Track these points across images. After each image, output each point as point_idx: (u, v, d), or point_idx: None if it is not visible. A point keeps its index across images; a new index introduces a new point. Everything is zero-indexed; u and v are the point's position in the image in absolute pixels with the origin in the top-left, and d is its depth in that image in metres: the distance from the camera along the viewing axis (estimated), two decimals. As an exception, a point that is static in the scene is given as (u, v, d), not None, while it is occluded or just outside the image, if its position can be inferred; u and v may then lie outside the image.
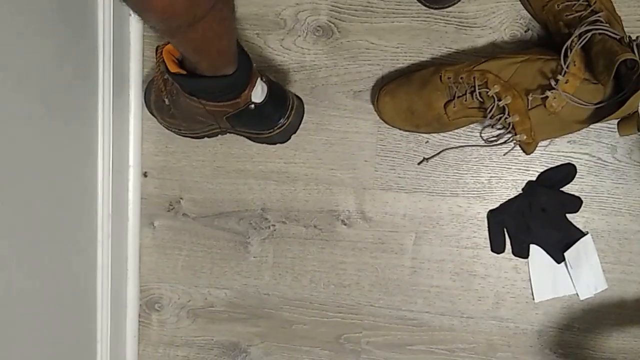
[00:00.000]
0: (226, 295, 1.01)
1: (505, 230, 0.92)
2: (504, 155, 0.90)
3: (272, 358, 1.02)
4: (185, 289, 1.02)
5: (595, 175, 0.89)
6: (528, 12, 0.87)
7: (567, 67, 0.75)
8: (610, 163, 0.89)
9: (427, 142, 0.93)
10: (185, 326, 1.03)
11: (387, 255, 0.96)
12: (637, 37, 0.71)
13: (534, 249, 0.92)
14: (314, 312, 0.99)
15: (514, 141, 0.80)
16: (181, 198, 1.00)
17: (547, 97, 0.76)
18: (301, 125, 0.91)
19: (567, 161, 0.90)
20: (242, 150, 0.97)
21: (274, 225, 0.98)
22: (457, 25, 0.89)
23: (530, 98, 0.78)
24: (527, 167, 0.91)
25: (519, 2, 0.87)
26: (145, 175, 1.00)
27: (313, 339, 1.00)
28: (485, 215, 0.93)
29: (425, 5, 0.89)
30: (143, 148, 1.00)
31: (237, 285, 1.01)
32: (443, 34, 0.90)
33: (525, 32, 0.88)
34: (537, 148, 0.90)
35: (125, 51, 0.95)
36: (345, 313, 0.99)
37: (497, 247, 0.93)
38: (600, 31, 0.73)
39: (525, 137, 0.79)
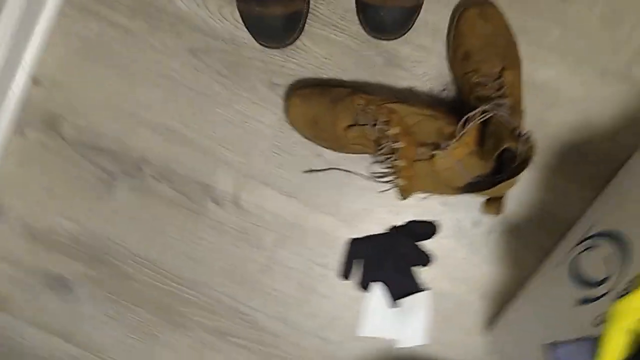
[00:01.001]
0: (73, 228, 0.98)
1: (358, 261, 0.96)
2: (379, 192, 0.94)
3: (95, 302, 0.99)
4: (36, 209, 0.98)
5: (454, 241, 0.95)
6: (451, 74, 0.91)
7: (461, 136, 0.79)
8: (471, 235, 0.95)
9: (320, 155, 0.95)
10: (20, 244, 0.99)
11: (245, 246, 0.97)
12: (526, 133, 0.77)
13: (376, 286, 0.96)
14: (154, 275, 0.98)
15: (394, 184, 0.84)
16: (64, 118, 0.96)
17: (435, 155, 0.80)
18: (209, 95, 0.91)
19: (434, 219, 0.95)
20: (143, 96, 0.95)
21: (145, 178, 0.96)
22: (386, 59, 0.92)
23: (420, 150, 0.82)
24: (399, 211, 0.95)
25: (447, 62, 0.92)
26: (35, 82, 0.95)
27: (143, 300, 0.99)
28: (345, 241, 0.96)
29: (366, 31, 0.91)
30: (45, 56, 0.95)
31: (89, 223, 0.98)
32: (372, 62, 0.93)
33: (442, 90, 0.92)
34: (413, 198, 0.94)
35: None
36: (184, 286, 0.98)
37: (345, 273, 0.96)
38: (499, 115, 0.78)
39: (404, 183, 0.82)
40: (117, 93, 0.95)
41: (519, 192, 0.93)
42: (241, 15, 0.91)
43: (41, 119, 0.96)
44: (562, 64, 0.91)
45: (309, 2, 0.91)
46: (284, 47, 0.91)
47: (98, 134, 0.96)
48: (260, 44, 0.91)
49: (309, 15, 0.92)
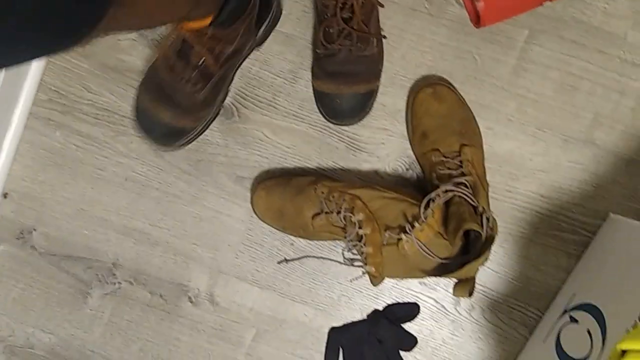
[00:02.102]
0: (50, 340, 0.96)
1: (341, 350, 0.93)
2: (351, 281, 0.93)
3: (76, 419, 0.96)
4: (10, 323, 0.97)
5: (435, 321, 0.93)
6: (413, 153, 0.92)
7: (425, 217, 0.79)
8: (452, 314, 0.92)
9: (292, 244, 0.94)
10: (-3, 362, 0.97)
11: (223, 344, 0.95)
12: (489, 215, 0.76)
13: (363, 376, 0.93)
14: (134, 382, 0.96)
15: (364, 270, 0.83)
16: (34, 229, 0.96)
17: (401, 238, 0.79)
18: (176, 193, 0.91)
19: (414, 300, 0.93)
20: (111, 200, 0.95)
21: (120, 283, 0.95)
22: (348, 144, 0.93)
23: (387, 235, 0.81)
24: (377, 295, 0.93)
25: (408, 141, 0.92)
26: (5, 196, 0.96)
27: (125, 409, 0.96)
28: (327, 330, 0.94)
29: (325, 118, 0.92)
30: (13, 169, 0.96)
31: (64, 333, 0.96)
32: (333, 148, 0.93)
33: (407, 170, 0.92)
34: (390, 281, 0.93)
35: (21, 71, 0.93)
36: (165, 391, 0.96)
37: (329, 364, 0.94)
38: (460, 194, 0.77)
39: (373, 269, 0.81)
40: (85, 200, 0.95)
41: (497, 266, 0.91)
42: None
43: (12, 232, 0.96)
44: (523, 134, 0.91)
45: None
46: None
47: (69, 242, 0.96)
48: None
49: (269, 107, 0.94)
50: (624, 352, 0.55)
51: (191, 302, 0.95)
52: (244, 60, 0.91)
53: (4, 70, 0.87)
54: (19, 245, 0.96)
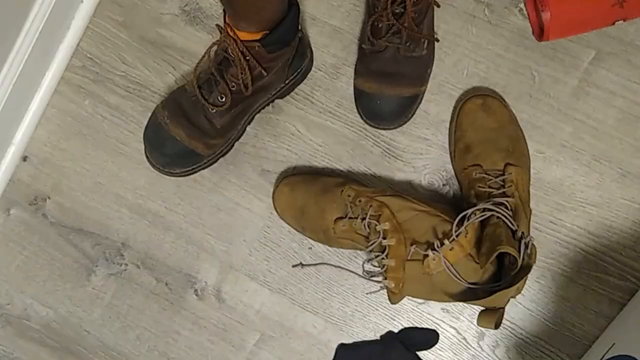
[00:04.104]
0: (47, 315, 0.92)
1: (347, 370, 0.86)
2: (367, 294, 0.85)
3: (62, 401, 0.91)
4: (10, 291, 0.93)
5: (455, 354, 0.85)
6: (453, 168, 0.85)
7: (456, 235, 0.72)
8: (474, 348, 0.84)
9: (311, 248, 0.88)
10: (-9, 329, 0.93)
11: (224, 345, 0.89)
12: (529, 239, 0.69)
13: (367, 401, 0.85)
14: (127, 371, 0.90)
15: (383, 285, 0.76)
16: (49, 197, 0.92)
17: (427, 255, 0.72)
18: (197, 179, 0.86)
19: (434, 327, 0.85)
20: (130, 177, 0.91)
21: (126, 265, 0.91)
22: (384, 150, 0.87)
23: (412, 249, 0.74)
24: (394, 316, 0.86)
25: (449, 155, 0.85)
26: (24, 159, 0.93)
27: (113, 399, 0.91)
28: (335, 345, 0.87)
29: (363, 119, 0.86)
30: (35, 132, 0.93)
31: (63, 309, 0.92)
32: (368, 152, 0.87)
33: (443, 185, 0.85)
34: (410, 303, 0.86)
35: (58, 34, 0.90)
36: (156, 386, 0.90)
37: (333, 383, 0.86)
38: (499, 215, 0.70)
39: (393, 285, 0.74)
40: (104, 174, 0.92)
41: (530, 303, 0.83)
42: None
43: (26, 196, 0.93)
44: (575, 162, 0.83)
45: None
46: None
47: (82, 215, 0.92)
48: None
49: (305, 101, 0.88)
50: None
51: (197, 295, 0.90)
52: (264, 106, 0.87)
53: (39, 31, 0.85)
54: (31, 212, 0.93)
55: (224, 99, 0.80)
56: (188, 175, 0.86)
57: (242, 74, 0.78)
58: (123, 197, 0.91)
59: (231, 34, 0.76)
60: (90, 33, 0.93)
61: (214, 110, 0.81)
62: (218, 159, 0.87)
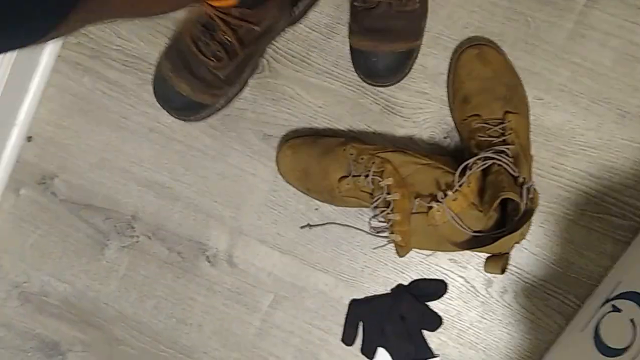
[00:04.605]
0: (65, 290, 0.94)
1: (361, 324, 0.88)
2: (374, 249, 0.87)
3: (86, 371, 0.94)
4: (26, 269, 0.95)
5: (464, 302, 0.87)
6: (453, 120, 0.85)
7: (459, 186, 0.73)
8: (482, 295, 0.86)
9: (317, 209, 0.89)
10: (12, 306, 0.96)
11: (239, 308, 0.91)
12: (531, 184, 0.69)
13: (382, 353, 0.87)
14: (146, 339, 0.93)
15: (390, 239, 0.77)
16: (57, 176, 0.94)
17: (432, 207, 0.74)
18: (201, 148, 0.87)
19: (442, 277, 0.87)
20: (134, 151, 0.92)
21: (138, 237, 0.93)
22: (383, 107, 0.87)
23: (417, 202, 0.75)
24: (404, 269, 0.88)
25: (448, 107, 0.86)
26: (29, 139, 0.94)
27: (135, 366, 0.93)
28: (347, 302, 0.89)
29: (360, 77, 0.86)
30: (37, 112, 0.94)
31: (80, 284, 0.94)
32: (367, 110, 0.88)
33: (444, 138, 0.86)
34: (418, 256, 0.87)
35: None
36: (176, 351, 0.92)
37: (347, 338, 0.89)
38: (500, 163, 0.71)
39: (400, 238, 0.75)
40: (108, 149, 0.93)
41: (535, 248, 0.84)
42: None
43: (34, 176, 0.94)
44: (575, 106, 0.83)
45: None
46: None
47: (90, 191, 0.93)
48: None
49: (301, 63, 0.89)
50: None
51: (209, 261, 0.91)
52: (274, 38, 0.86)
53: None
54: (40, 191, 0.94)
55: (220, 53, 0.80)
56: (204, 119, 0.88)
57: (229, 37, 0.78)
58: (129, 171, 0.93)
59: (205, 4, 0.75)
60: (83, 9, 0.93)
61: (214, 63, 0.80)
62: (232, 100, 0.88)
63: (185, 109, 0.85)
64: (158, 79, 0.85)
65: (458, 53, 0.82)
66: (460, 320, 0.87)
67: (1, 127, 0.91)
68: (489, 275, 0.86)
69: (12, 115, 0.92)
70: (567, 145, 0.84)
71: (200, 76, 0.81)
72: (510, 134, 0.76)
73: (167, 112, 0.86)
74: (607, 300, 0.75)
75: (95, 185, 0.93)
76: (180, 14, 0.90)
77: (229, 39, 0.78)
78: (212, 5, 0.75)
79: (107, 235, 0.93)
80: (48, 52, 0.92)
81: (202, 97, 0.83)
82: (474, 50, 0.81)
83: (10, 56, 0.86)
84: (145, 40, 0.92)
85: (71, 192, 0.94)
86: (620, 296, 0.73)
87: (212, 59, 0.80)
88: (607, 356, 0.68)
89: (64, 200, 0.94)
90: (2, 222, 0.95)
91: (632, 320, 0.67)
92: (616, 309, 0.72)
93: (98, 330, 0.94)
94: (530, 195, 0.69)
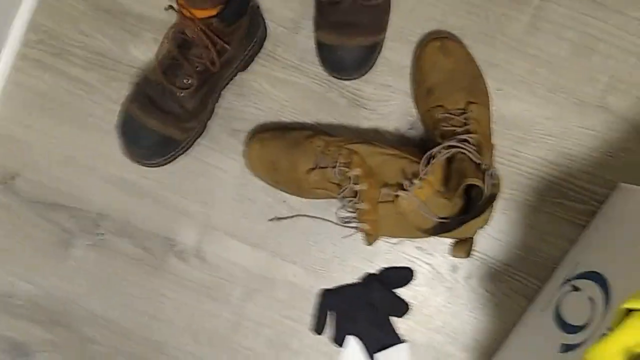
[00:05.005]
0: (31, 290, 0.93)
1: (331, 313, 0.90)
2: (343, 238, 0.89)
3: (55, 371, 0.93)
4: (-9, 271, 0.93)
5: (431, 288, 0.89)
6: (417, 111, 0.87)
7: (424, 174, 0.75)
8: (448, 280, 0.89)
9: (285, 202, 0.90)
10: (-24, 310, 0.94)
11: (210, 302, 0.91)
12: (491, 169, 0.72)
13: (351, 341, 0.89)
14: (117, 337, 0.92)
15: (358, 228, 0.79)
16: (18, 174, 0.92)
17: (399, 195, 0.75)
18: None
19: (409, 265, 0.89)
20: (99, 148, 0.91)
21: (104, 234, 0.92)
22: (350, 100, 0.89)
23: (384, 191, 0.77)
24: (372, 258, 0.90)
25: (412, 99, 0.88)
26: (-10, 138, 0.93)
27: (106, 364, 0.93)
28: (317, 292, 0.90)
29: (327, 71, 0.88)
30: (0, 112, 0.92)
31: (47, 284, 0.93)
32: (334, 104, 0.89)
33: (409, 129, 0.88)
34: (385, 244, 0.89)
35: (10, 9, 0.88)
36: (148, 347, 0.92)
37: (318, 327, 0.90)
38: (463, 151, 0.73)
39: (368, 227, 0.77)
40: (73, 147, 0.92)
41: (498, 233, 0.87)
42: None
43: (-4, 176, 0.93)
44: (533, 96, 0.87)
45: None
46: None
47: (54, 190, 0.92)
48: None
49: (268, 58, 0.89)
50: (629, 311, 0.51)
51: (178, 257, 0.91)
52: (228, 82, 0.89)
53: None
54: (1, 191, 0.93)
55: (190, 81, 0.81)
56: (168, 163, 0.88)
57: (205, 52, 0.79)
58: (94, 168, 0.92)
59: (187, 14, 0.76)
60: (44, 5, 0.91)
61: (182, 94, 0.81)
62: (195, 140, 0.89)
63: (154, 146, 0.84)
64: (124, 119, 0.84)
65: (421, 46, 0.85)
66: (427, 305, 0.89)
67: (-40, 126, 0.89)
68: (454, 261, 0.88)
69: (-29, 113, 0.90)
70: (527, 133, 0.87)
71: (169, 110, 0.82)
72: (472, 123, 0.78)
73: (133, 155, 0.85)
74: (567, 281, 0.78)
75: (59, 183, 0.92)
76: (147, 57, 0.90)
77: (206, 54, 0.79)
78: (193, 15, 0.77)
79: (72, 234, 0.92)
80: (7, 50, 0.90)
81: (171, 132, 0.83)
82: (437, 43, 0.83)
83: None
84: (109, 36, 0.91)
85: (34, 191, 0.92)
86: (579, 276, 0.76)
87: (180, 88, 0.81)
88: (568, 333, 0.71)
89: (26, 200, 0.92)
90: (-37, 223, 0.93)
91: (590, 299, 0.70)
92: (575, 289, 0.75)
93: (67, 330, 0.93)
94: (493, 181, 0.71)
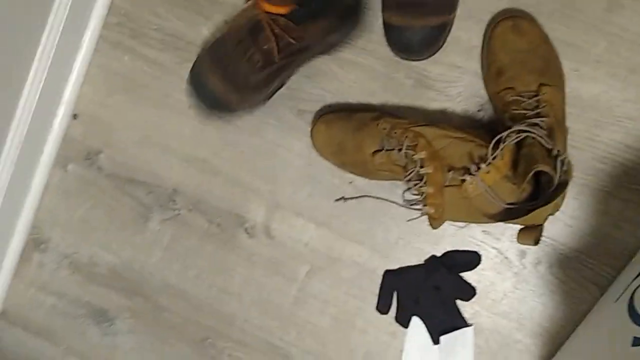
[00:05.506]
0: (112, 260, 0.99)
1: (395, 294, 0.91)
2: (408, 221, 0.89)
3: (134, 336, 0.99)
4: (75, 241, 1.00)
5: (497, 273, 0.88)
6: (486, 93, 0.85)
7: (493, 159, 0.73)
8: (515, 266, 0.87)
9: (351, 182, 0.91)
10: (63, 276, 1.01)
11: (277, 278, 0.94)
12: (565, 156, 0.70)
13: (416, 322, 0.90)
14: (190, 307, 0.97)
15: (423, 212, 0.79)
16: (101, 152, 0.98)
17: (465, 180, 0.75)
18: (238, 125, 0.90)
19: (476, 249, 0.88)
20: (175, 127, 0.95)
21: (179, 209, 0.96)
22: (416, 81, 0.88)
23: (450, 175, 0.76)
24: (437, 241, 0.89)
25: (482, 80, 0.86)
26: (75, 117, 0.98)
27: (180, 333, 0.98)
28: (382, 272, 0.91)
29: (393, 52, 0.87)
30: (81, 90, 0.97)
31: (126, 255, 0.99)
32: (400, 85, 0.88)
33: (478, 111, 0.86)
34: (451, 227, 0.88)
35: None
36: (218, 319, 0.97)
37: (382, 307, 0.91)
38: (533, 136, 0.71)
39: (433, 211, 0.77)
40: (150, 126, 0.96)
41: (570, 219, 0.85)
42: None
43: (80, 152, 0.98)
44: (612, 78, 0.83)
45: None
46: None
47: (133, 166, 0.97)
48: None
49: (336, 39, 0.90)
50: None
51: (247, 233, 0.95)
52: (306, 60, 0.89)
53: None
54: (86, 166, 0.99)
55: (257, 57, 0.82)
56: (222, 119, 0.90)
57: (271, 43, 0.80)
58: (170, 147, 0.96)
59: (259, 4, 0.77)
60: (122, -10, 0.95)
61: (249, 67, 0.82)
62: (252, 109, 0.90)
63: (211, 105, 0.86)
64: (194, 71, 0.87)
65: (492, 25, 0.82)
66: (493, 290, 0.88)
67: (49, 105, 0.94)
68: (522, 246, 0.86)
69: (58, 93, 0.96)
70: (604, 117, 0.83)
71: (233, 78, 0.84)
72: (544, 106, 0.76)
73: (196, 103, 0.88)
74: (642, 272, 0.75)
75: (138, 160, 0.97)
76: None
77: (270, 45, 0.80)
78: (265, 9, 0.78)
79: (150, 209, 0.97)
80: (90, 32, 0.95)
81: (229, 99, 0.85)
82: (509, 22, 0.80)
83: (55, 36, 0.89)
84: (183, 19, 0.94)
85: (115, 168, 0.98)
86: (655, 268, 0.73)
87: (249, 63, 0.82)
88: (640, 327, 0.69)
89: (108, 175, 0.98)
90: (51, 196, 1.00)
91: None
92: (651, 280, 0.72)
93: (144, 298, 0.99)
94: (564, 168, 0.69)
